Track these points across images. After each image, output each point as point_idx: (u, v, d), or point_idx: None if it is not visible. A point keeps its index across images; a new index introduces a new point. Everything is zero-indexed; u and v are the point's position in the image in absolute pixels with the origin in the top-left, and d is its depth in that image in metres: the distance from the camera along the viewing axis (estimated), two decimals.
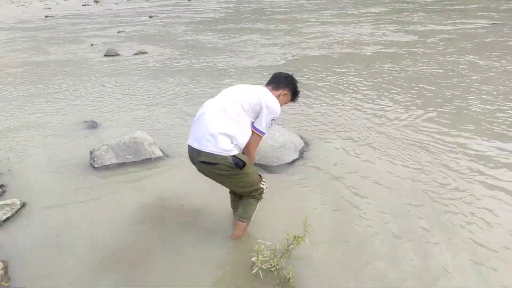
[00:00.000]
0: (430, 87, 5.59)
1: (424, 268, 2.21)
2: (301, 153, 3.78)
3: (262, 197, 2.54)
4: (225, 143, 2.18)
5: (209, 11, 21.96)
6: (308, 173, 3.42)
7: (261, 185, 2.49)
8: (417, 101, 5.08)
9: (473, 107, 4.76)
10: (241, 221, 2.51)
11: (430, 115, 4.59)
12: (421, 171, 3.32)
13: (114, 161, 3.70)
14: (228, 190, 2.70)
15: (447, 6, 16.15)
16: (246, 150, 2.36)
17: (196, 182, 3.15)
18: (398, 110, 4.83)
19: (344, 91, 5.70)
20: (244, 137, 2.28)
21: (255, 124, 2.31)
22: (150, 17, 19.96)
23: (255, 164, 3.43)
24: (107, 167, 3.64)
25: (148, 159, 3.77)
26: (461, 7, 15.61)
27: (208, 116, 2.25)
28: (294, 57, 8.26)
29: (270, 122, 2.33)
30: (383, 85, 5.86)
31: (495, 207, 2.77)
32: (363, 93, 5.54)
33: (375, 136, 4.10)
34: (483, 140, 3.87)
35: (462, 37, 9.31)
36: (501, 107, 4.70)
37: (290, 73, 2.59)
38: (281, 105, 2.45)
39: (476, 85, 5.55)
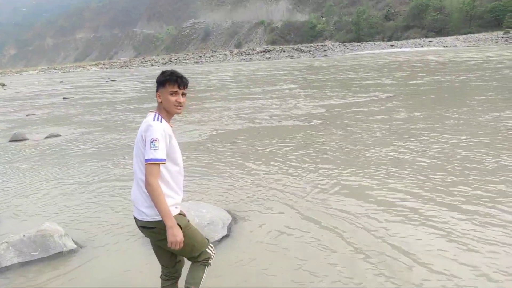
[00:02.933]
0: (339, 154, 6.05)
1: None
2: (229, 228, 3.69)
3: (210, 264, 2.36)
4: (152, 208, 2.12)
5: (130, 90, 22.01)
6: (238, 250, 3.31)
7: (208, 250, 2.33)
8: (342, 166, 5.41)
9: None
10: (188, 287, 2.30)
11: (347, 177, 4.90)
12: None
13: (15, 260, 3.20)
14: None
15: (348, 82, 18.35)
16: (145, 184, 2.06)
17: (113, 271, 2.83)
18: (316, 177, 5.04)
19: (264, 161, 5.88)
20: (165, 189, 2.14)
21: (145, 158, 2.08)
22: (64, 98, 19.28)
23: None
24: (7, 268, 3.13)
25: (58, 253, 3.35)
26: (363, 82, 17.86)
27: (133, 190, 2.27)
28: (217, 132, 8.45)
29: (151, 145, 2.05)
30: (292, 156, 6.19)
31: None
32: (283, 163, 5.77)
33: (301, 204, 4.18)
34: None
35: (361, 108, 10.47)
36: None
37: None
38: (172, 107, 2.22)
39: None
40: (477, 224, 3.44)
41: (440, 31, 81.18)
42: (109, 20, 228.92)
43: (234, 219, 3.90)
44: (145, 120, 2.18)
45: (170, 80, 2.22)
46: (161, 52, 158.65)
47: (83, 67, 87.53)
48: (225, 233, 3.58)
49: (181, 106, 2.25)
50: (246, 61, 63.31)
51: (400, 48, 58.98)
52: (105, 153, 7.17)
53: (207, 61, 70.12)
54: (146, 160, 2.05)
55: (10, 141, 8.89)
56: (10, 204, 4.72)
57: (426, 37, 77.68)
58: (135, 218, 2.23)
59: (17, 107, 16.97)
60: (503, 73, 16.02)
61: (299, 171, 5.29)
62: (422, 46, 58.09)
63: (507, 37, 52.47)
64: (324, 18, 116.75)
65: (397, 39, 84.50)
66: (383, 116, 8.75)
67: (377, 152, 5.92)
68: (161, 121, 2.14)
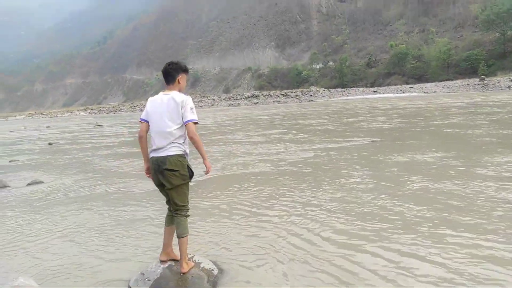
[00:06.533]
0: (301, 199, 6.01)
1: None
2: (215, 282, 3.53)
3: (189, 215, 3.43)
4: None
5: (117, 135, 21.95)
6: None
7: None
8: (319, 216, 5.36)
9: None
10: (182, 237, 3.29)
11: (328, 231, 4.83)
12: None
13: None
14: None
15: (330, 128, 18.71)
16: (190, 136, 3.27)
17: None
18: (303, 223, 4.96)
19: (247, 210, 5.78)
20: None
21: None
22: (50, 144, 19.07)
23: None
24: None
25: None
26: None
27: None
28: (203, 178, 8.35)
29: (191, 110, 3.27)
30: (286, 202, 6.13)
31: None
32: (267, 210, 5.69)
33: (294, 254, 4.07)
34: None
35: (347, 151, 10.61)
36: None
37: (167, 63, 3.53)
38: (184, 89, 3.49)
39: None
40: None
41: (420, 78, 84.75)
42: (100, 66, 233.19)
43: (221, 271, 3.75)
44: (171, 95, 3.32)
45: (188, 72, 3.60)
46: (150, 97, 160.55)
47: (71, 112, 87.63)
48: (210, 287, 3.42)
49: None
50: (234, 106, 64.38)
51: (383, 94, 61.00)
52: (88, 201, 6.98)
53: (195, 106, 71.11)
54: (190, 120, 3.17)
55: None
56: None
57: (407, 83, 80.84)
58: (157, 160, 3.21)
59: (0, 152, 16.65)
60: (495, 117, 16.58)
61: (292, 218, 5.20)
62: (403, 92, 60.24)
63: (483, 83, 55.09)
64: (309, 66, 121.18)
65: (380, 85, 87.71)
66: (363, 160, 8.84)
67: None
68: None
